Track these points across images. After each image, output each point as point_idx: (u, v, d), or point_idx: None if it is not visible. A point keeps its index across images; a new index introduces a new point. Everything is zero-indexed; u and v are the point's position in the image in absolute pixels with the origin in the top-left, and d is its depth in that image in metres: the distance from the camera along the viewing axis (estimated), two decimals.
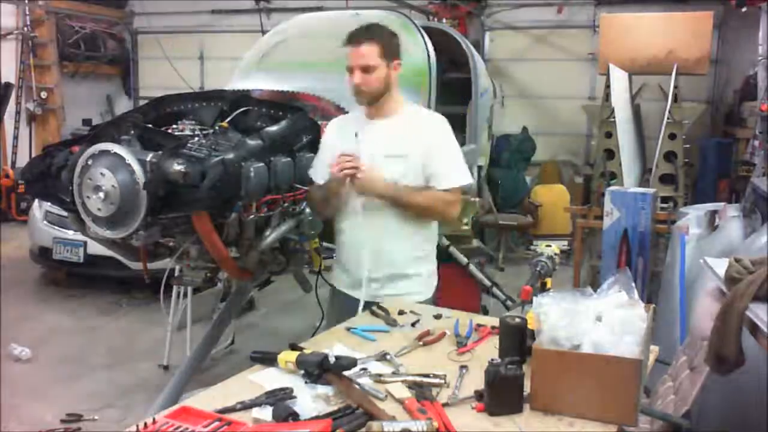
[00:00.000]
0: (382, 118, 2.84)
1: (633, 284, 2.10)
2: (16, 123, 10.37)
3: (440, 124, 2.88)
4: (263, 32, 6.80)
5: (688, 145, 6.39)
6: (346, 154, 2.67)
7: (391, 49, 2.77)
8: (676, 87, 6.11)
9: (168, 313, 4.70)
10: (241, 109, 3.22)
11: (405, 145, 2.79)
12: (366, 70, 2.71)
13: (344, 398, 1.92)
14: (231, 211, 2.83)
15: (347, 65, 2.74)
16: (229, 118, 3.16)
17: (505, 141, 8.91)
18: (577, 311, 1.95)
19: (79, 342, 5.27)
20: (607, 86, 6.22)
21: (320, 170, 2.92)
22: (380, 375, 2.08)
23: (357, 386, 1.97)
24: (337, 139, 2.90)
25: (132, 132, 2.99)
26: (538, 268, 2.40)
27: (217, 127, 3.10)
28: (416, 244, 2.91)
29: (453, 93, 5.57)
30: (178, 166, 2.66)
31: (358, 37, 2.72)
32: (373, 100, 2.80)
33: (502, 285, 5.22)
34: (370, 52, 2.70)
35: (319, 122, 3.34)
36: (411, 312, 2.67)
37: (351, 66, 2.72)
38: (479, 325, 2.49)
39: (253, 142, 2.90)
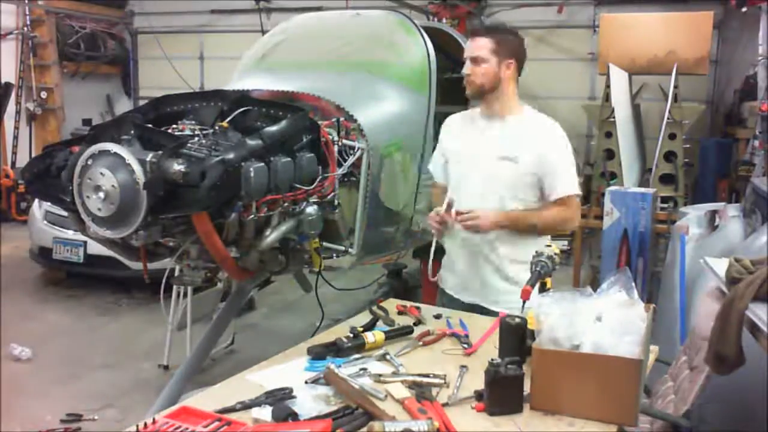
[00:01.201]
0: (498, 118, 2.85)
1: (633, 284, 2.11)
2: (16, 123, 10.36)
3: (557, 132, 2.85)
4: (263, 32, 6.81)
5: (688, 145, 6.40)
6: (458, 211, 2.65)
7: (506, 47, 2.77)
8: (676, 87, 6.12)
9: (168, 313, 4.70)
10: (241, 109, 3.21)
11: (517, 148, 2.76)
12: (475, 61, 2.75)
13: (344, 398, 1.92)
14: (231, 211, 2.83)
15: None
16: (229, 118, 3.15)
17: None
18: (577, 311, 1.95)
19: (79, 342, 5.27)
20: (607, 86, 6.23)
21: (438, 169, 3.01)
22: (380, 375, 2.08)
23: (357, 386, 1.97)
24: (452, 139, 2.98)
25: (132, 132, 2.99)
26: (538, 268, 2.39)
27: (217, 127, 3.10)
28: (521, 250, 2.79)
29: (453, 93, 5.55)
30: (178, 166, 2.66)
31: (475, 30, 2.83)
32: (478, 95, 2.81)
33: None
34: (483, 45, 2.74)
35: (319, 122, 3.34)
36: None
37: (465, 57, 2.78)
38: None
39: (253, 142, 2.90)
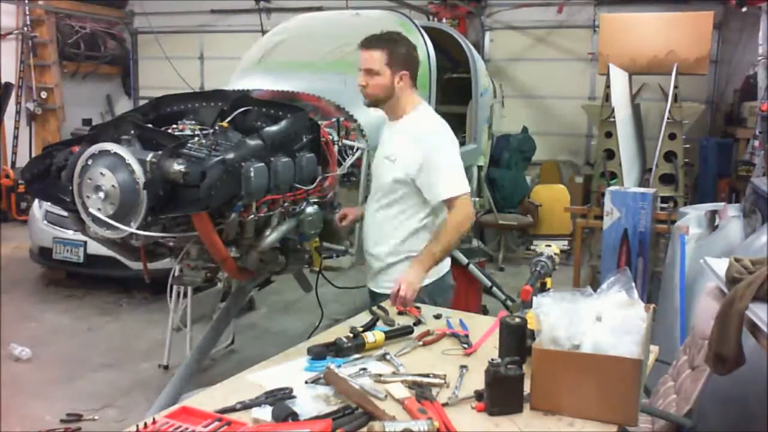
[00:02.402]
0: (394, 120, 3.00)
1: (633, 284, 2.10)
2: (16, 123, 10.36)
3: (437, 132, 2.92)
4: (263, 32, 6.80)
5: (688, 145, 6.40)
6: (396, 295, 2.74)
7: (399, 60, 2.86)
8: (676, 87, 6.12)
9: (174, 311, 4.69)
10: (241, 109, 3.22)
11: (398, 149, 2.91)
12: (369, 73, 2.86)
13: (344, 398, 1.92)
14: (231, 211, 2.83)
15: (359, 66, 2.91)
16: (229, 118, 3.16)
17: (505, 141, 8.91)
18: (577, 311, 1.95)
19: (79, 342, 5.27)
20: (607, 86, 6.23)
21: None
22: (380, 375, 2.08)
23: (357, 386, 1.97)
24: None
25: (132, 132, 2.99)
26: (538, 268, 2.39)
27: (217, 127, 3.10)
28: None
29: (453, 93, 5.57)
30: (178, 166, 2.66)
31: (368, 41, 2.87)
32: (373, 104, 2.96)
33: (502, 285, 5.22)
34: (376, 58, 2.84)
35: (319, 122, 3.34)
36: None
37: (360, 68, 2.89)
38: None
39: (253, 142, 2.90)
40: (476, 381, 1.97)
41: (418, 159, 2.82)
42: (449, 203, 2.84)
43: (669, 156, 6.02)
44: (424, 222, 2.95)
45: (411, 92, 2.95)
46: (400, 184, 2.89)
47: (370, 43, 2.85)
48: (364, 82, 2.87)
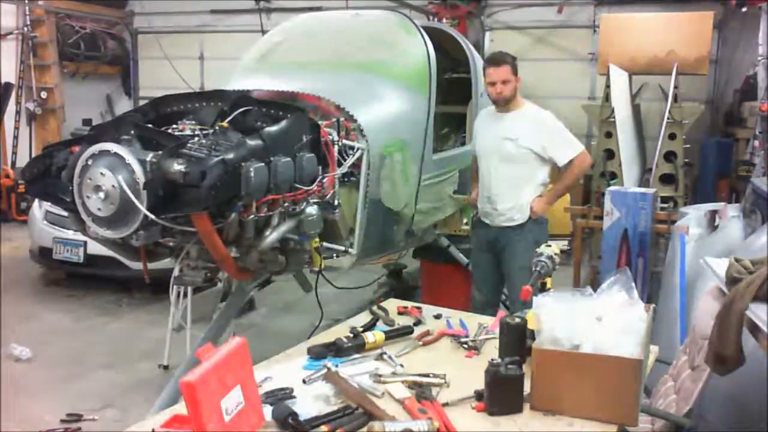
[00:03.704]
0: (507, 112, 4.01)
1: (633, 284, 2.10)
2: (16, 123, 10.36)
3: (545, 116, 4.03)
4: (263, 32, 6.81)
5: (688, 145, 6.39)
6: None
7: (516, 69, 3.98)
8: (676, 87, 6.11)
9: (178, 310, 4.69)
10: (241, 109, 3.22)
11: (517, 131, 3.94)
12: (504, 82, 3.90)
13: (344, 398, 1.92)
14: (231, 211, 2.83)
15: (489, 81, 3.93)
16: (229, 118, 3.16)
17: None
18: (577, 311, 1.95)
19: (79, 342, 5.26)
20: (607, 86, 6.23)
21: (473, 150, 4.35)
22: (380, 375, 2.08)
23: (357, 386, 1.97)
24: (481, 125, 4.20)
25: (132, 132, 2.99)
26: (538, 268, 2.39)
27: (217, 127, 3.10)
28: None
29: (453, 93, 5.56)
30: (178, 166, 2.66)
31: (498, 59, 3.99)
32: (507, 103, 3.97)
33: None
34: (508, 71, 3.92)
35: (319, 122, 3.34)
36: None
37: (494, 81, 3.91)
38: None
39: (253, 142, 2.90)
40: (476, 381, 1.97)
41: (543, 135, 3.93)
42: (572, 162, 3.95)
43: (669, 156, 6.01)
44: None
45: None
46: (522, 156, 3.93)
47: (502, 61, 3.95)
48: (500, 89, 3.90)
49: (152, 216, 2.67)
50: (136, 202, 2.65)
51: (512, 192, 4.01)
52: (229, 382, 1.67)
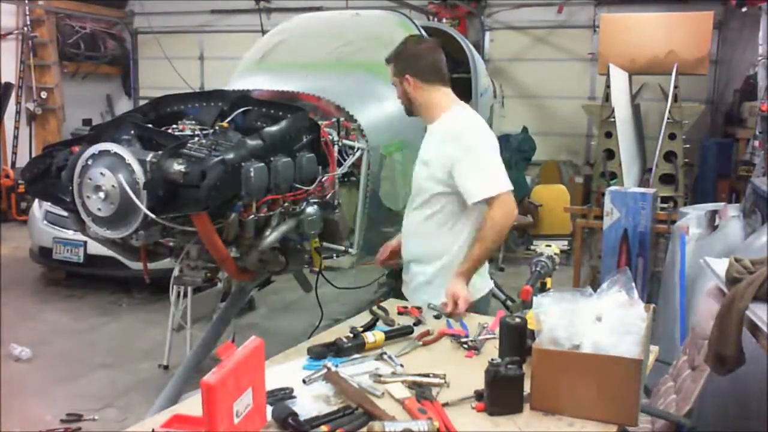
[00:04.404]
0: (430, 124, 2.91)
1: (633, 284, 2.10)
2: (16, 123, 10.37)
3: (469, 131, 2.78)
4: (263, 32, 6.80)
5: (688, 145, 6.40)
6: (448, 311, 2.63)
7: (398, 65, 2.84)
8: (676, 87, 6.12)
9: (178, 309, 4.69)
10: (241, 109, 3.21)
11: (430, 152, 2.83)
12: (395, 86, 2.92)
13: (344, 398, 1.92)
14: (231, 211, 2.83)
15: None
16: (229, 118, 3.16)
17: (505, 141, 8.91)
18: (577, 311, 1.94)
19: (79, 342, 5.27)
20: (607, 86, 6.23)
21: None
22: (380, 375, 2.08)
23: (357, 386, 1.97)
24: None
25: (132, 132, 2.99)
26: (538, 268, 2.39)
27: (217, 127, 3.10)
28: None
29: (453, 93, 5.56)
30: (178, 166, 2.66)
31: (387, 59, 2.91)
32: (409, 113, 2.96)
33: (502, 285, 5.22)
34: (391, 74, 2.89)
35: (319, 122, 3.34)
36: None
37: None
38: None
39: (253, 142, 2.90)
40: (476, 381, 1.97)
41: (452, 159, 2.71)
42: (489, 202, 2.68)
43: (669, 156, 6.02)
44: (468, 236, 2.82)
45: (430, 91, 2.84)
46: (436, 188, 2.78)
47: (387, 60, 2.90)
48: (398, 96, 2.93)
49: (152, 216, 2.67)
50: (137, 201, 2.65)
51: (421, 245, 2.91)
52: (243, 385, 1.67)
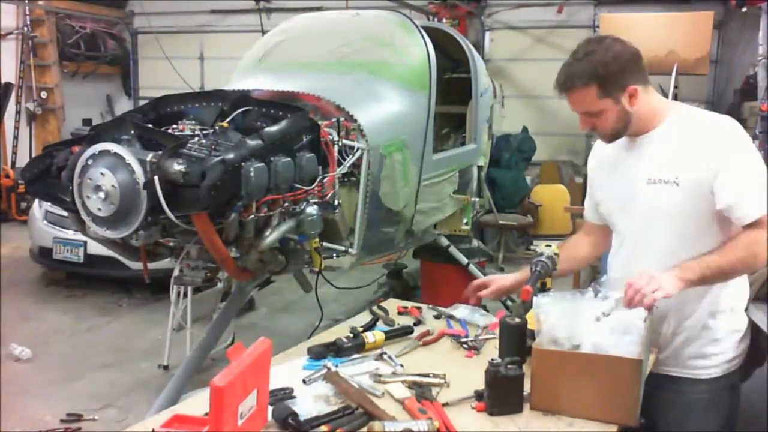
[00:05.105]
0: (644, 135, 2.21)
1: None
2: (16, 123, 10.36)
3: (726, 133, 2.11)
4: (263, 32, 6.80)
5: None
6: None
7: (612, 82, 2.09)
8: (676, 87, 6.13)
9: (178, 309, 4.70)
10: (241, 109, 3.22)
11: (673, 167, 2.12)
12: (591, 115, 2.17)
13: (344, 398, 1.92)
14: (231, 211, 2.83)
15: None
16: (229, 118, 3.16)
17: (505, 141, 8.91)
18: (577, 311, 1.94)
19: (79, 342, 5.27)
20: None
21: (589, 209, 2.54)
22: (380, 375, 2.08)
23: (357, 386, 1.97)
24: (597, 170, 2.44)
25: (132, 132, 2.99)
26: (538, 268, 2.39)
27: (217, 127, 3.10)
28: None
29: (453, 93, 5.56)
30: (178, 166, 2.66)
31: (564, 85, 2.17)
32: (616, 138, 2.22)
33: None
34: (586, 99, 2.13)
35: (319, 122, 3.34)
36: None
37: (575, 110, 2.22)
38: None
39: (253, 142, 2.90)
40: (476, 381, 1.97)
41: (716, 171, 2.04)
42: (751, 225, 2.02)
43: None
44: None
45: (650, 95, 2.18)
46: (688, 211, 2.11)
47: (567, 86, 2.16)
48: (591, 125, 2.19)
49: (171, 216, 2.67)
50: (162, 201, 2.65)
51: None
52: (249, 386, 1.68)
